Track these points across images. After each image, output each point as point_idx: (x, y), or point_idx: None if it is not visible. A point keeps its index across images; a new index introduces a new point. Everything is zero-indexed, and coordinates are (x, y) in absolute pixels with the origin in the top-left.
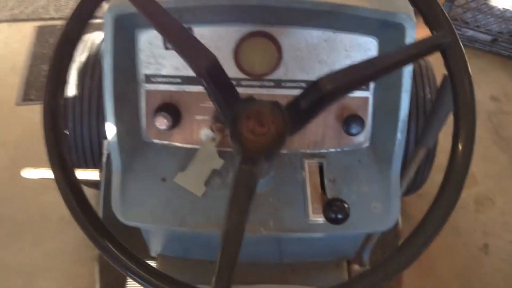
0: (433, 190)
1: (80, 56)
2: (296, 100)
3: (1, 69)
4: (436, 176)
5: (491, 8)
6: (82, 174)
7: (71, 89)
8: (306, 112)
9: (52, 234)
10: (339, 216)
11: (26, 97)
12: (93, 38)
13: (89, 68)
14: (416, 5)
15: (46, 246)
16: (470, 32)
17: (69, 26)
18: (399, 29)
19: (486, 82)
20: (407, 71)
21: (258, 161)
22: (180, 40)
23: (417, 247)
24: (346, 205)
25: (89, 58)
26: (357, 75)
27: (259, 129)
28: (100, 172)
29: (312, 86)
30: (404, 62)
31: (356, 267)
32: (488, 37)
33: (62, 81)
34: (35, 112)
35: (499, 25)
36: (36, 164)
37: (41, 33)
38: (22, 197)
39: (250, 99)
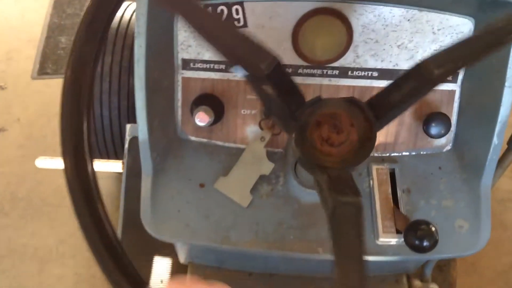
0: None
1: None
2: (385, 92)
3: (18, 41)
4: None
5: None
6: (101, 165)
7: None
8: (395, 106)
9: (67, 219)
10: (426, 243)
11: (42, 71)
12: None
13: (109, 43)
14: None
15: (60, 230)
16: None
17: None
18: (505, 8)
19: None
20: None
21: (350, 183)
22: (230, 44)
23: None
24: (434, 229)
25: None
26: (465, 55)
27: (336, 137)
28: (123, 160)
29: (412, 73)
30: None
31: (417, 283)
32: None
33: (98, 39)
34: (51, 87)
35: None
36: (50, 143)
37: (58, 3)
38: (36, 178)
39: (317, 99)
